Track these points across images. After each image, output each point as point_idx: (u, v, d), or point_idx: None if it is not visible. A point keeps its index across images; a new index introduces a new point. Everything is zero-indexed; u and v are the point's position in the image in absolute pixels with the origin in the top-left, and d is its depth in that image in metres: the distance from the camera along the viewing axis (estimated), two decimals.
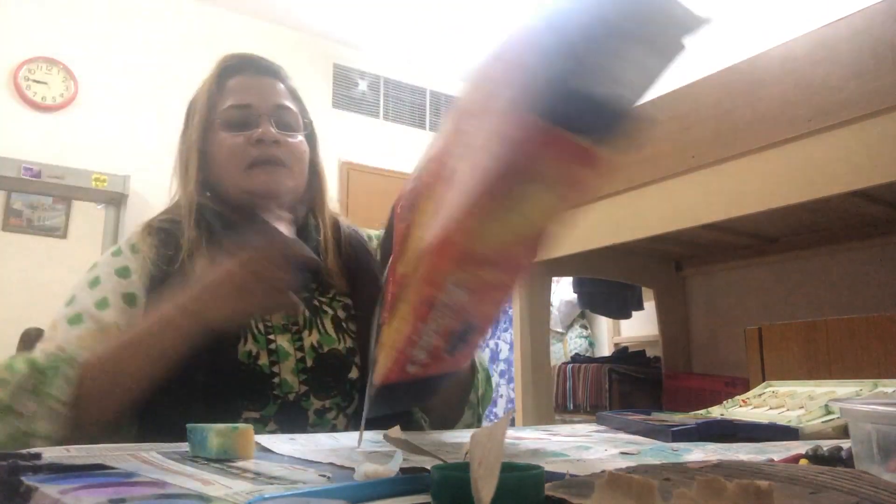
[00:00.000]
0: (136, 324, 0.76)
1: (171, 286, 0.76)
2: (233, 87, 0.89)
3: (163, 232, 0.86)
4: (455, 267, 0.46)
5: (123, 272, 0.82)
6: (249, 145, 0.86)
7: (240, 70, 0.91)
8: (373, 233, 1.01)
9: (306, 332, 0.83)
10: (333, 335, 0.85)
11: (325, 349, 0.83)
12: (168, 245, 0.84)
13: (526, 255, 0.49)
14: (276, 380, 0.79)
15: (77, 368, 0.69)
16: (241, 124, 0.87)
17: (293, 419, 0.79)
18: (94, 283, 0.81)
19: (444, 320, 0.48)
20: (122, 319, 0.78)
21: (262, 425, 0.77)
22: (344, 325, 0.87)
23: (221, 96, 0.89)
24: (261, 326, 0.81)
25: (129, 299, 0.80)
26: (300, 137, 0.91)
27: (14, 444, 0.63)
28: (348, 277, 0.91)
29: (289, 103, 0.91)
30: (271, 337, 0.81)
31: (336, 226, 0.95)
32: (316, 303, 0.87)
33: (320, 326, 0.85)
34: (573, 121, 0.41)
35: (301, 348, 0.82)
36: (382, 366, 0.53)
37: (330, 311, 0.87)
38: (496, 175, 0.42)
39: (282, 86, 0.92)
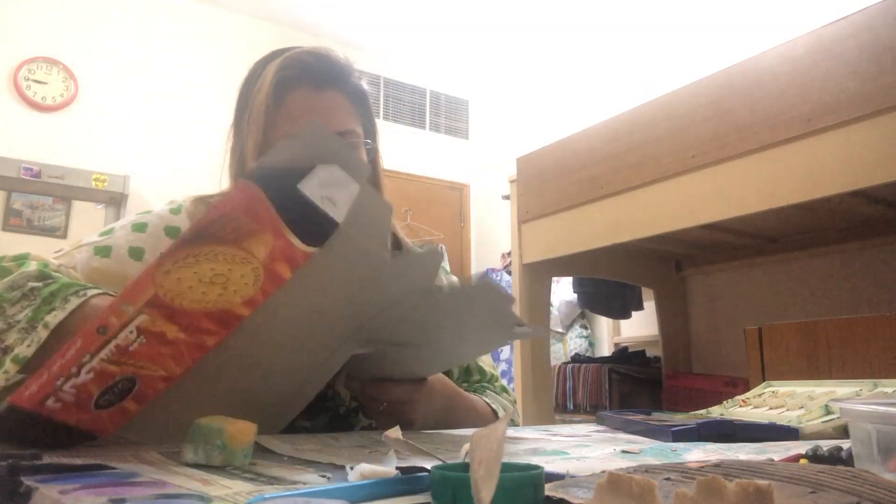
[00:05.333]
0: None
1: None
2: (289, 106, 0.81)
3: None
4: (142, 304, 0.44)
5: (173, 233, 0.79)
6: None
7: (298, 82, 0.82)
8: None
9: None
10: None
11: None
12: None
13: (213, 331, 0.48)
14: (329, 391, 0.79)
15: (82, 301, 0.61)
16: None
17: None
18: (140, 227, 0.79)
19: (107, 362, 0.45)
20: None
21: (310, 435, 0.76)
22: None
23: (277, 115, 0.81)
24: None
25: None
26: None
27: None
28: None
29: (350, 123, 0.84)
30: None
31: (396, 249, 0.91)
32: None
33: None
34: (295, 223, 0.46)
35: None
36: (28, 385, 0.45)
37: None
38: (207, 221, 0.44)
39: (344, 99, 0.84)
